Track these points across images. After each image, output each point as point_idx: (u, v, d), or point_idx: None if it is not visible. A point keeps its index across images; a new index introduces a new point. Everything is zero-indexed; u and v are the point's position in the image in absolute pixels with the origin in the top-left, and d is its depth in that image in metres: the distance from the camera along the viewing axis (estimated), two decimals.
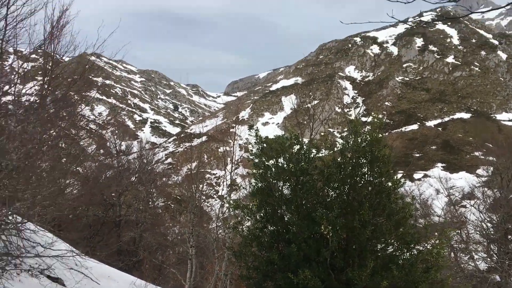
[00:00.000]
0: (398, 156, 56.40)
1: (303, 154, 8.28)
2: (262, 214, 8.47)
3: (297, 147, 8.48)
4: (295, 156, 8.31)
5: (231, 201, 12.58)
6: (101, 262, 12.07)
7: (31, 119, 8.55)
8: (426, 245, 9.28)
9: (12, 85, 10.22)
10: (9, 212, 6.97)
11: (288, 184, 8.41)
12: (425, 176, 57.00)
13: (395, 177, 8.54)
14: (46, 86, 10.16)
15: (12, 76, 11.40)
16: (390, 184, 8.20)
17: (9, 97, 10.20)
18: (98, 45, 9.53)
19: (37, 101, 11.54)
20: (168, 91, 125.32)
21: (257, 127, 9.13)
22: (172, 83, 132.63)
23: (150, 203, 30.61)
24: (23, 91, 10.52)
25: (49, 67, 12.32)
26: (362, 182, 8.04)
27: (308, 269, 7.24)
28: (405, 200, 9.11)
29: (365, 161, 7.94)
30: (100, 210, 24.03)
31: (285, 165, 8.38)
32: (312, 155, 8.47)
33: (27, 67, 12.62)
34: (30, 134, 7.92)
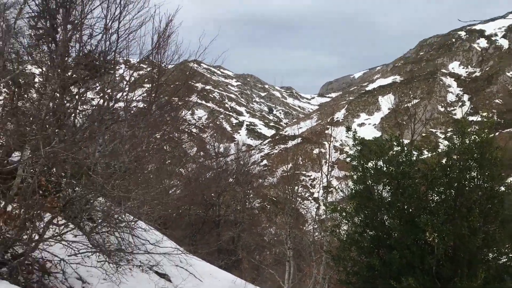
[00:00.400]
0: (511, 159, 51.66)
1: (404, 157, 7.93)
2: (361, 218, 8.26)
3: (397, 149, 8.16)
4: (395, 158, 7.99)
5: (327, 203, 12.45)
6: (203, 260, 12.59)
7: (140, 124, 9.17)
8: None
9: (123, 93, 11.06)
10: (122, 211, 7.54)
11: (389, 188, 8.12)
12: None
13: (509, 181, 7.87)
14: (152, 93, 10.85)
15: (123, 85, 12.32)
16: (503, 188, 7.57)
17: (121, 104, 11.07)
18: (199, 52, 9.94)
19: (145, 107, 12.36)
20: (262, 94, 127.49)
21: (355, 129, 8.94)
22: (266, 86, 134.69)
23: (247, 204, 31.36)
24: (133, 98, 11.34)
25: (156, 75, 13.11)
26: (471, 186, 7.51)
27: (411, 277, 6.91)
28: None
29: (474, 164, 7.41)
30: (201, 210, 25.13)
31: (384, 168, 8.10)
32: (413, 158, 8.09)
33: (136, 76, 13.62)
34: (139, 138, 8.50)
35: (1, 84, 6.99)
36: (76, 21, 7.43)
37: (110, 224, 7.02)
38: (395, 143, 8.18)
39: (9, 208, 4.73)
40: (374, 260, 7.45)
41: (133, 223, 7.60)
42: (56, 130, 7.26)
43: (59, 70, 6.46)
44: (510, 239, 7.58)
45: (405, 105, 69.69)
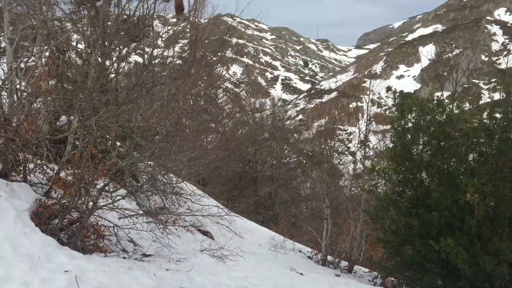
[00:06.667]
0: None
1: (446, 117, 7.79)
2: (399, 178, 8.26)
3: (438, 109, 7.99)
4: (436, 119, 7.86)
5: (365, 162, 12.42)
6: (242, 216, 12.96)
7: (179, 87, 9.32)
8: None
9: (159, 50, 11.19)
10: (166, 172, 7.83)
11: (428, 148, 8.03)
12: None
13: None
14: (190, 55, 10.93)
15: (158, 42, 12.35)
16: None
17: (157, 60, 11.29)
18: (235, 11, 9.86)
19: (183, 67, 12.49)
20: (298, 48, 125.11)
21: (395, 88, 8.77)
22: (302, 39, 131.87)
23: (283, 159, 31.55)
24: (165, 53, 11.51)
25: (192, 34, 13.10)
26: None
27: (450, 237, 6.95)
28: None
29: None
30: (238, 166, 25.55)
31: (425, 128, 7.98)
32: (456, 118, 7.92)
33: (171, 32, 13.69)
34: (178, 101, 8.67)
35: (46, 52, 7.20)
36: None
37: (154, 184, 7.33)
38: (435, 106, 8.00)
39: (62, 174, 5.02)
40: (413, 220, 7.50)
41: (176, 183, 7.89)
42: (99, 95, 7.49)
43: (101, 40, 6.59)
44: None
45: (447, 56, 67.07)
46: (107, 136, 7.80)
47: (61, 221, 4.17)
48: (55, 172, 5.03)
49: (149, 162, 7.10)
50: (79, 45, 8.14)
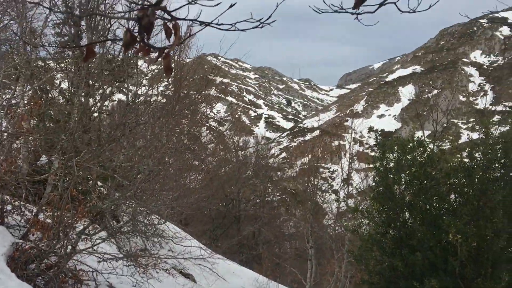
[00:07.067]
0: None
1: (426, 158, 7.90)
2: (382, 218, 8.27)
3: (419, 149, 8.12)
4: (417, 160, 7.96)
5: (348, 201, 12.43)
6: (224, 256, 12.72)
7: (162, 126, 9.33)
8: None
9: (144, 88, 11.26)
10: (147, 213, 7.71)
11: (410, 188, 8.10)
12: None
13: None
14: (171, 88, 11.02)
15: (142, 80, 12.47)
16: None
17: (141, 98, 11.34)
18: (219, 51, 10.04)
19: (166, 107, 12.55)
20: (281, 87, 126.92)
21: (376, 128, 8.86)
22: (284, 79, 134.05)
23: (267, 197, 31.41)
24: (149, 92, 11.58)
25: (177, 73, 13.22)
26: (494, 187, 7.45)
27: (434, 278, 6.92)
28: None
29: (497, 165, 7.34)
30: (221, 204, 25.30)
31: (406, 168, 8.08)
32: (436, 158, 8.04)
33: (155, 70, 13.84)
34: (161, 141, 8.66)
35: (29, 91, 7.18)
36: (100, 28, 7.58)
37: (136, 226, 7.20)
38: (417, 146, 8.12)
39: (40, 216, 4.90)
40: (397, 261, 7.46)
41: (158, 224, 7.76)
42: (81, 135, 7.43)
43: (85, 79, 6.60)
44: None
45: (426, 96, 68.77)
46: (88, 177, 7.69)
47: (38, 266, 4.04)
48: (33, 214, 4.92)
49: (130, 203, 6.99)
50: (62, 84, 8.14)
